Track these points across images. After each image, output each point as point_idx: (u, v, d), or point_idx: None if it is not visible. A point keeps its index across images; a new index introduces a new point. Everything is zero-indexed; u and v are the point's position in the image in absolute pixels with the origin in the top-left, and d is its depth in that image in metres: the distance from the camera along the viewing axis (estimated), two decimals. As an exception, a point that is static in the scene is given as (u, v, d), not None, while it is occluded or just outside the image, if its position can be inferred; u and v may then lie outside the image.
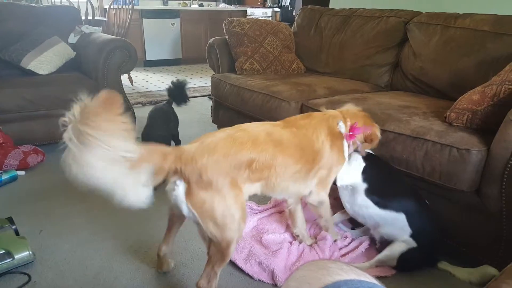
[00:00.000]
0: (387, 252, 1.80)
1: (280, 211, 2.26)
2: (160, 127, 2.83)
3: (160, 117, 2.85)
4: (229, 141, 1.45)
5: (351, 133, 1.81)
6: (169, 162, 1.35)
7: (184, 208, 1.40)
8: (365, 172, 1.86)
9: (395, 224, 1.80)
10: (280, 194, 1.76)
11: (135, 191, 1.25)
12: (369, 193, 1.84)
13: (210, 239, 1.46)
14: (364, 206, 1.86)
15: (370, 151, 1.95)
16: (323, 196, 1.84)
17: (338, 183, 1.89)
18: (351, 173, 1.87)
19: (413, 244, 1.77)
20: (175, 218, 1.69)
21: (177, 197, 1.40)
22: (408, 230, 1.78)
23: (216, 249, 1.47)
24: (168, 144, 2.76)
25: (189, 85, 3.07)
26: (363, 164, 1.87)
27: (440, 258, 1.83)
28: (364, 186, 1.85)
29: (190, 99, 3.08)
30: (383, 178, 1.87)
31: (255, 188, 1.57)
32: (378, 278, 1.68)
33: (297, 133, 1.66)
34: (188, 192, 1.38)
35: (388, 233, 1.84)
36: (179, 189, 1.38)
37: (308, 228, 2.09)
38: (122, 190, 1.23)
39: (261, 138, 1.52)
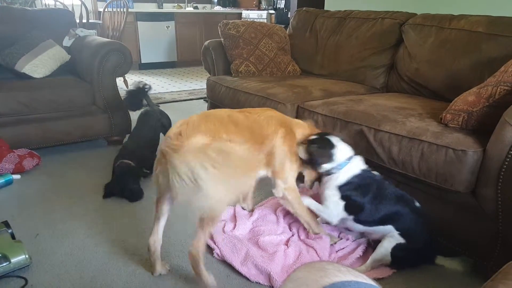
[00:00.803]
0: (379, 249, 1.82)
1: (274, 209, 2.27)
2: (144, 130, 2.91)
3: (144, 120, 2.97)
4: (207, 123, 1.68)
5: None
6: None
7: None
8: (348, 208, 1.86)
9: (384, 232, 1.85)
10: None
11: None
12: (356, 221, 1.88)
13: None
14: (353, 227, 1.94)
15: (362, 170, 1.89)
16: (284, 189, 1.94)
17: (332, 224, 1.95)
18: (335, 214, 1.89)
19: (401, 240, 1.80)
20: (164, 203, 1.75)
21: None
22: (396, 232, 1.81)
23: (208, 218, 1.59)
24: (154, 144, 2.93)
25: (149, 92, 3.19)
26: (341, 203, 1.86)
27: (436, 255, 1.86)
28: (351, 217, 1.88)
29: (142, 107, 3.21)
30: (367, 207, 1.82)
31: None
32: (376, 279, 1.69)
33: (249, 116, 1.87)
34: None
35: (379, 237, 1.88)
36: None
37: (302, 230, 2.10)
38: None
39: (225, 120, 1.76)
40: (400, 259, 1.80)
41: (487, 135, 1.70)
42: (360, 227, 1.91)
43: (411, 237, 1.79)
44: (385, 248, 1.80)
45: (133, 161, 2.60)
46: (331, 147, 1.86)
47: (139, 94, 3.11)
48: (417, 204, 1.86)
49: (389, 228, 1.82)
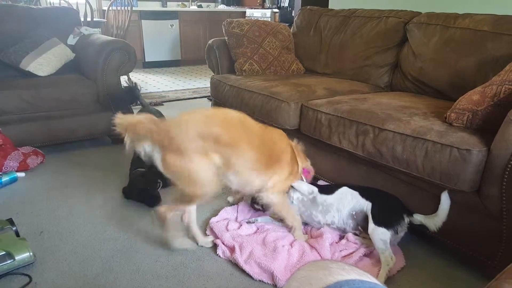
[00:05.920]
0: (375, 244, 1.85)
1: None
2: None
3: None
4: (203, 118, 1.77)
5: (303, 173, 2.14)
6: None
7: (160, 167, 1.75)
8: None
9: (345, 198, 2.03)
10: (236, 178, 1.89)
11: None
12: (320, 192, 2.10)
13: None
14: (322, 201, 2.09)
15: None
16: (272, 198, 2.00)
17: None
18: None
19: (368, 205, 1.96)
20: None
21: (155, 159, 1.74)
22: (358, 196, 2.01)
23: (183, 196, 1.81)
24: None
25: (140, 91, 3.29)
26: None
27: (413, 212, 1.93)
28: (316, 190, 2.11)
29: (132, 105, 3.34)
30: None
31: (218, 160, 1.79)
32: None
33: (265, 129, 1.93)
34: (163, 156, 1.72)
35: (347, 210, 2.02)
36: (156, 153, 1.73)
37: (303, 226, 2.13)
38: None
39: (233, 121, 1.81)
40: (377, 217, 1.90)
41: (491, 134, 1.69)
42: (325, 197, 2.07)
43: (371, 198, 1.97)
44: (372, 228, 1.88)
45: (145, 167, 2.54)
46: None
47: (131, 93, 3.12)
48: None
49: (345, 190, 2.04)
